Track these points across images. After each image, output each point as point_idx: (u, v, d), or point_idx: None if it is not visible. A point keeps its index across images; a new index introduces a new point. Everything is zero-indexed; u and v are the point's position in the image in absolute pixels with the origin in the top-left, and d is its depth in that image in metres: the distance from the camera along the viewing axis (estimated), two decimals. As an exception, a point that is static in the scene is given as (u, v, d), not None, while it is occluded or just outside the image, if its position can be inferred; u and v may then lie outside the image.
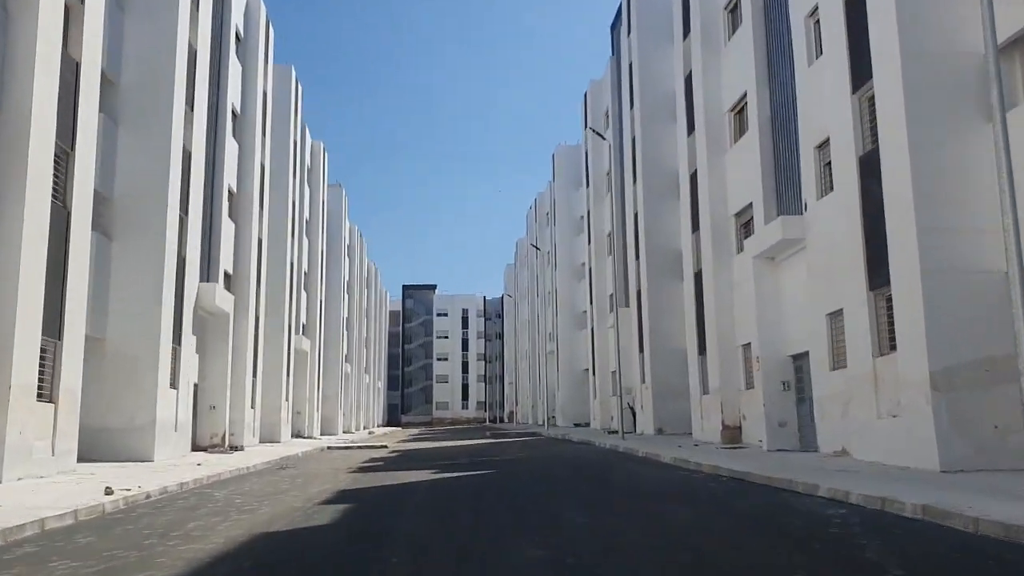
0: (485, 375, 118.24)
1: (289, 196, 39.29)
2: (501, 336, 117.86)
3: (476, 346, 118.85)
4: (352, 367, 69.33)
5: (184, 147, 23.47)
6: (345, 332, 66.48)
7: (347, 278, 67.92)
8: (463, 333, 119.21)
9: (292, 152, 40.63)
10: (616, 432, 34.54)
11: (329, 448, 33.06)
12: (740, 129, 23.12)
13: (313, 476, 17.42)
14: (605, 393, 40.10)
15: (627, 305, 36.26)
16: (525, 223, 77.88)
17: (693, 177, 25.55)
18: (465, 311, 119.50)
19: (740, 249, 22.88)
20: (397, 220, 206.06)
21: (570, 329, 54.07)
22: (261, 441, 35.25)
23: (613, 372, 39.25)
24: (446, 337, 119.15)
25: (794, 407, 19.63)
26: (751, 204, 21.75)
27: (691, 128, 26.13)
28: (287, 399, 39.41)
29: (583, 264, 54.00)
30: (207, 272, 27.67)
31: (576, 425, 51.73)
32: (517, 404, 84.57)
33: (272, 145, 37.66)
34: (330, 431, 57.37)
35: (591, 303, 42.90)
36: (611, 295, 39.86)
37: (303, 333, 47.07)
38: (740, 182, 22.57)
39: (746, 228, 22.67)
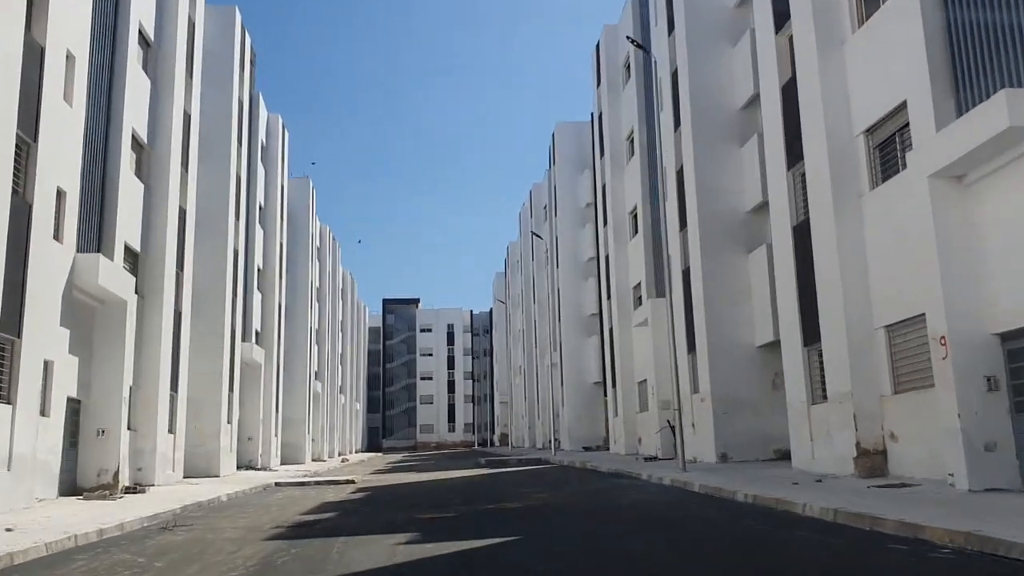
0: (473, 395, 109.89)
1: (232, 167, 31.26)
2: (490, 352, 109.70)
3: (463, 364, 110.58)
4: (324, 386, 61.05)
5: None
6: (315, 345, 58.36)
7: (316, 284, 59.81)
8: (449, 350, 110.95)
9: (235, 115, 32.65)
10: (653, 458, 26.53)
11: (277, 485, 24.99)
12: None
13: (194, 554, 9.43)
14: (630, 409, 32.13)
15: (663, 295, 28.41)
16: (518, 222, 70.18)
17: (789, 87, 17.81)
18: (451, 326, 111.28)
19: (876, 181, 15.09)
20: (378, 235, 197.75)
21: (576, 337, 46.15)
22: (189, 476, 27.08)
23: (641, 383, 31.32)
24: (430, 355, 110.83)
25: (1008, 418, 11.81)
26: (904, 103, 13.99)
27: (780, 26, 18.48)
28: (229, 422, 31.19)
29: (590, 259, 46.19)
30: (89, 240, 19.63)
31: (586, 448, 43.66)
32: (511, 425, 76.43)
33: (206, 97, 29.74)
34: (295, 460, 49.01)
35: (608, 298, 35.00)
36: (636, 286, 31.94)
37: (257, 342, 38.89)
38: (879, 76, 14.82)
39: (888, 149, 14.90)
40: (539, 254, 57.69)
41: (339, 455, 68.76)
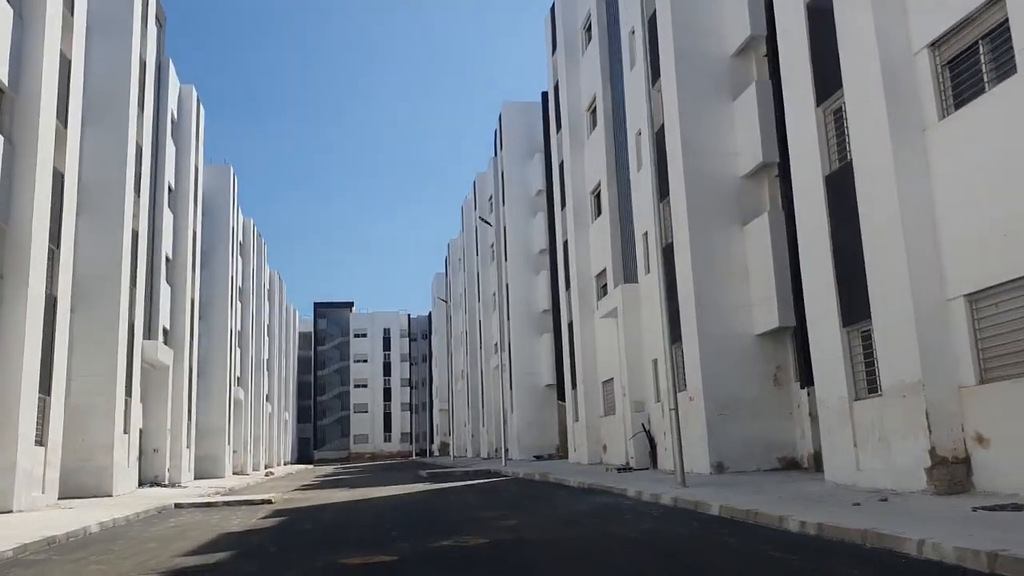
0: (411, 403, 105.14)
1: (130, 134, 26.57)
2: (429, 358, 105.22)
3: (400, 370, 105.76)
4: (247, 394, 56.00)
5: None
6: (237, 349, 53.36)
7: (239, 283, 54.83)
8: (385, 356, 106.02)
9: (136, 76, 27.98)
10: (627, 468, 22.86)
11: (177, 507, 20.63)
12: None
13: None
14: (593, 413, 28.40)
15: (632, 280, 24.84)
16: (460, 216, 66.13)
17: (818, 3, 14.31)
18: (387, 331, 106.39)
19: (946, 109, 11.66)
20: (308, 236, 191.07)
21: (526, 336, 42.38)
22: (72, 496, 22.39)
23: (607, 382, 27.66)
24: (365, 361, 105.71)
25: None
26: (998, -3, 10.57)
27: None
28: (127, 432, 26.44)
29: (542, 251, 42.52)
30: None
31: (538, 458, 39.85)
32: (452, 434, 72.14)
33: (96, 49, 25.13)
34: (214, 474, 44.08)
35: (567, 289, 31.29)
36: (600, 273, 28.29)
37: (165, 341, 34.06)
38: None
39: (965, 65, 11.47)
40: (484, 248, 53.83)
41: (265, 468, 63.63)
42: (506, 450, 47.41)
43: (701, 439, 18.62)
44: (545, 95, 42.38)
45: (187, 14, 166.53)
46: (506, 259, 43.13)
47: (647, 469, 22.95)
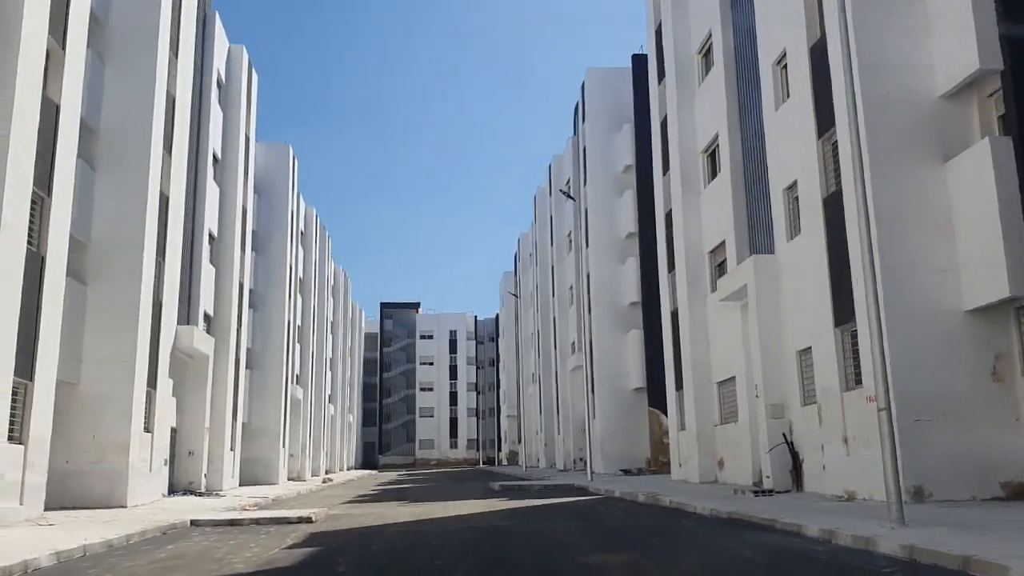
0: (477, 408, 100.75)
1: (156, 77, 22.52)
2: (496, 361, 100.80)
3: (466, 374, 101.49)
4: (307, 393, 52.26)
5: None
6: (296, 345, 49.68)
7: (299, 274, 51.18)
8: (451, 358, 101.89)
9: (168, 8, 24.05)
10: (765, 492, 17.71)
11: (193, 524, 16.48)
12: None
13: None
14: (706, 420, 23.24)
15: (768, 249, 19.72)
16: (533, 206, 61.35)
17: None
18: (453, 332, 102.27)
19: None
20: (376, 237, 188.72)
21: (611, 333, 37.34)
22: (77, 507, 18.48)
23: (725, 382, 22.48)
24: (431, 363, 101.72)
25: None
26: None
27: None
28: (149, 430, 22.41)
29: (630, 235, 37.45)
30: None
31: (626, 472, 34.76)
32: (521, 442, 67.42)
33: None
34: (265, 480, 40.32)
35: (671, 270, 26.18)
36: (715, 248, 23.19)
37: (208, 329, 30.21)
38: None
39: None
40: (560, 238, 48.95)
41: (325, 474, 59.91)
42: (583, 461, 42.70)
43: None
44: (636, 57, 37.41)
45: (260, 27, 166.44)
46: (587, 245, 38.18)
47: (788, 491, 17.76)
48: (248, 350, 41.29)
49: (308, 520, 16.67)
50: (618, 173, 38.31)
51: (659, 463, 34.52)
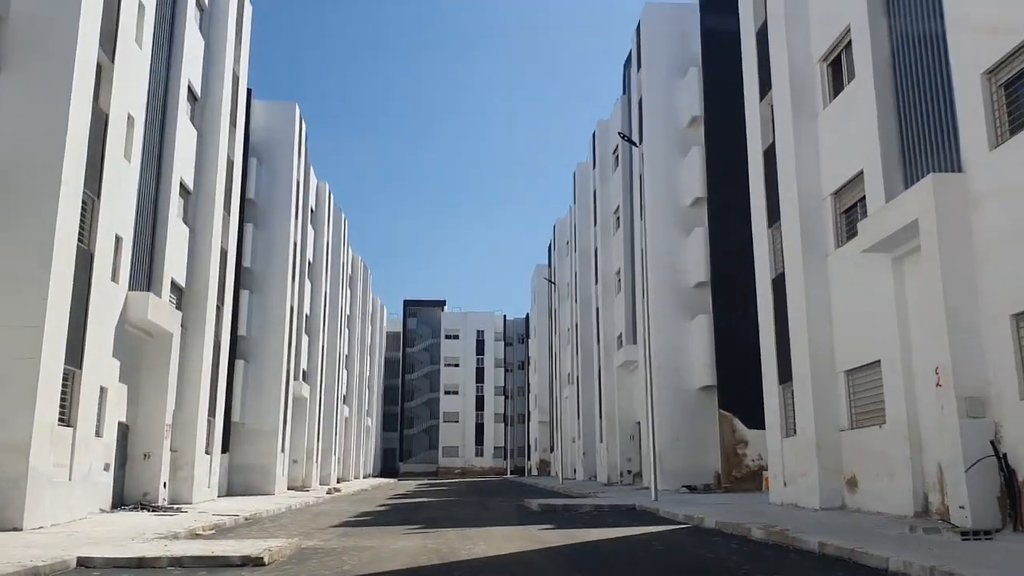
0: (505, 413, 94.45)
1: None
2: (526, 364, 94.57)
3: (494, 377, 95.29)
4: (316, 392, 46.50)
5: None
6: (303, 337, 44.01)
7: (309, 256, 45.53)
8: (477, 360, 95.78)
9: None
10: (966, 532, 11.30)
11: (81, 564, 10.62)
12: None
13: None
14: (828, 422, 16.88)
15: (949, 166, 13.40)
16: (572, 184, 55.10)
17: None
18: (480, 333, 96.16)
19: None
20: (400, 234, 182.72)
21: (670, 319, 31.06)
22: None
23: (861, 368, 16.10)
24: (456, 365, 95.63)
25: None
26: None
27: None
28: (69, 422, 16.52)
29: (695, 201, 31.24)
30: None
31: (691, 489, 28.45)
32: (556, 450, 61.15)
33: None
34: (262, 488, 34.69)
35: (771, 224, 19.87)
36: (846, 185, 16.83)
37: (178, 302, 24.42)
38: None
39: None
40: (605, 217, 42.71)
41: (337, 482, 54.12)
42: (632, 473, 36.37)
43: None
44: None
45: (286, 31, 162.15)
46: (643, 216, 31.89)
47: (998, 529, 11.43)
48: (241, 338, 35.66)
49: (257, 562, 10.70)
50: (682, 128, 32.03)
51: (732, 479, 28.14)
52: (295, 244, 39.80)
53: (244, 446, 35.43)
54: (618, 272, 39.47)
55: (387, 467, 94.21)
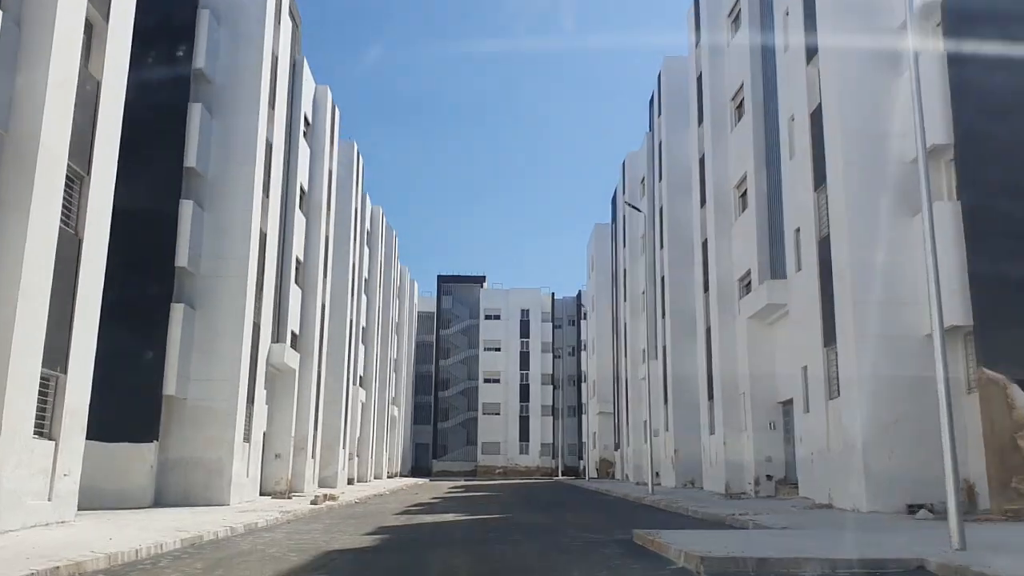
0: (554, 405, 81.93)
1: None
2: (577, 350, 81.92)
3: (540, 363, 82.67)
4: (313, 366, 34.69)
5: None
6: (294, 289, 32.48)
7: (320, 199, 33.99)
8: (522, 344, 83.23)
9: None
10: None
11: None
12: None
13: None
14: None
15: None
16: (648, 110, 42.49)
17: None
18: (525, 312, 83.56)
19: None
20: (433, 205, 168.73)
21: (873, 218, 18.29)
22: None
23: None
24: (497, 349, 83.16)
25: None
26: None
27: None
28: None
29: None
30: None
31: (930, 512, 15.62)
32: (625, 447, 48.63)
33: None
34: (205, 496, 22.93)
35: None
36: None
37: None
38: None
39: None
40: (719, 100, 29.70)
41: (348, 483, 42.20)
42: (751, 484, 23.43)
43: None
44: None
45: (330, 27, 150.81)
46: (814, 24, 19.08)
47: None
48: (181, 270, 24.05)
49: None
50: None
51: (1010, 493, 15.37)
52: (291, 171, 28.14)
53: (186, 432, 23.84)
54: (741, 181, 26.78)
55: (419, 465, 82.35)
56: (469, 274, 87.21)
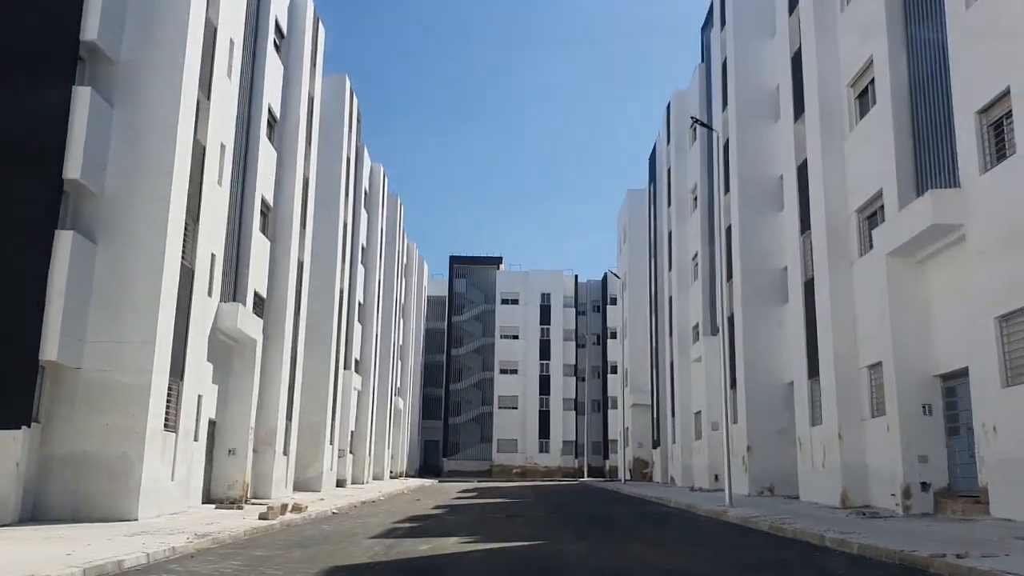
0: (577, 400, 74.51)
1: None
2: (603, 338, 74.37)
3: (563, 353, 75.15)
4: (286, 335, 27.61)
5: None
6: (263, 241, 25.37)
7: (304, 151, 26.74)
8: (542, 332, 75.74)
9: None
10: None
11: None
12: None
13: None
14: None
15: None
16: (703, 33, 35.00)
17: None
18: (546, 297, 76.11)
19: None
20: (448, 187, 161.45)
21: None
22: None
23: None
24: (515, 337, 75.72)
25: None
26: None
27: None
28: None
29: None
30: None
31: None
32: (667, 445, 41.18)
33: None
34: (108, 511, 15.52)
35: None
36: None
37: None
38: None
39: None
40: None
41: (336, 486, 34.99)
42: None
43: None
44: None
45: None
46: None
47: None
48: (77, 185, 16.93)
49: None
50: None
51: None
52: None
53: (79, 417, 16.77)
54: (863, 71, 19.21)
55: (428, 464, 75.17)
56: (485, 255, 79.73)
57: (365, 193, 44.22)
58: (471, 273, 79.04)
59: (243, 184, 24.36)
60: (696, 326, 35.92)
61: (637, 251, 52.68)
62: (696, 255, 36.04)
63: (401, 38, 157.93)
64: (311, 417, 32.50)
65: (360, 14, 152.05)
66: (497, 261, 79.87)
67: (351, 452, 41.10)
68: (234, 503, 22.75)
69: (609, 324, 72.96)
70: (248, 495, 23.67)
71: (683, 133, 39.09)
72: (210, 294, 20.99)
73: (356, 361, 42.36)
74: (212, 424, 22.81)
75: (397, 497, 31.78)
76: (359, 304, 42.77)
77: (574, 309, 76.54)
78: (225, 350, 23.32)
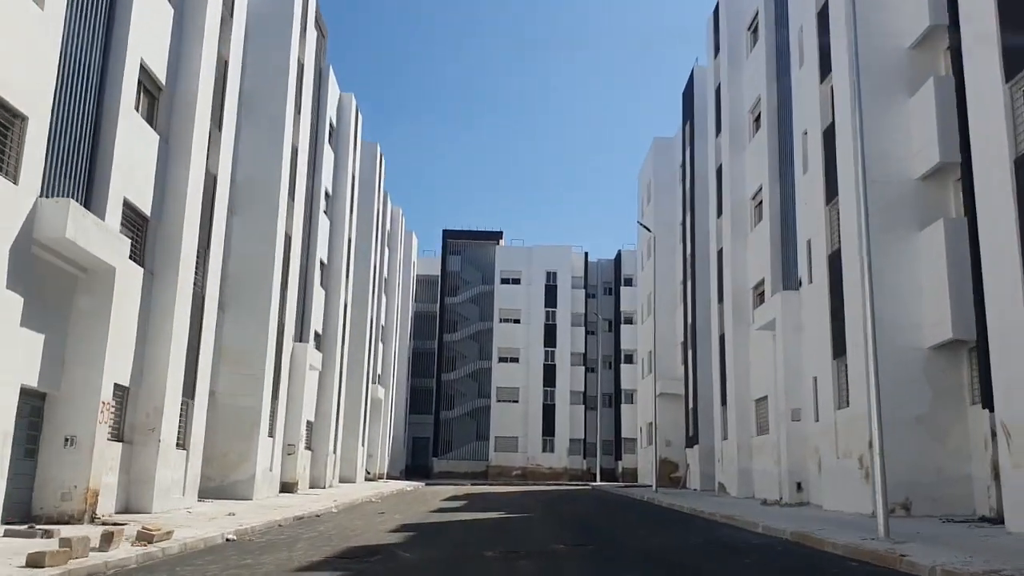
0: (586, 392, 65.67)
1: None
2: (616, 323, 65.54)
3: (570, 340, 66.28)
4: (256, 325, 18.74)
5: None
6: (216, 192, 16.21)
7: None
8: (547, 315, 66.85)
9: None
10: None
11: None
12: None
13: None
14: None
15: None
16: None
17: None
18: (551, 276, 67.24)
19: None
20: (444, 160, 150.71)
21: None
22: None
23: None
24: (516, 321, 66.84)
25: None
26: None
27: None
28: None
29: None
30: None
31: None
32: (714, 442, 32.41)
33: None
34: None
35: None
36: None
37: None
38: None
39: None
40: None
41: (297, 488, 26.18)
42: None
43: None
44: None
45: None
46: None
47: None
48: None
49: None
50: None
51: None
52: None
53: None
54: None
55: (417, 464, 66.46)
56: (482, 229, 70.92)
57: (331, 126, 35.48)
58: (467, 249, 70.18)
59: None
60: (759, 284, 27.24)
61: (666, 210, 43.87)
62: (760, 190, 27.33)
63: (401, 38, 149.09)
64: (240, 399, 23.85)
65: (360, 15, 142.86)
66: (497, 236, 71.02)
67: (308, 448, 32.39)
68: (67, 521, 14.15)
69: (623, 308, 64.20)
70: (94, 509, 14.92)
71: (739, 38, 30.37)
72: (16, 180, 12.34)
73: (316, 335, 33.67)
74: (35, 396, 14.18)
75: (355, 509, 23.04)
76: (321, 263, 34.05)
77: (583, 290, 67.71)
78: (62, 281, 14.64)
